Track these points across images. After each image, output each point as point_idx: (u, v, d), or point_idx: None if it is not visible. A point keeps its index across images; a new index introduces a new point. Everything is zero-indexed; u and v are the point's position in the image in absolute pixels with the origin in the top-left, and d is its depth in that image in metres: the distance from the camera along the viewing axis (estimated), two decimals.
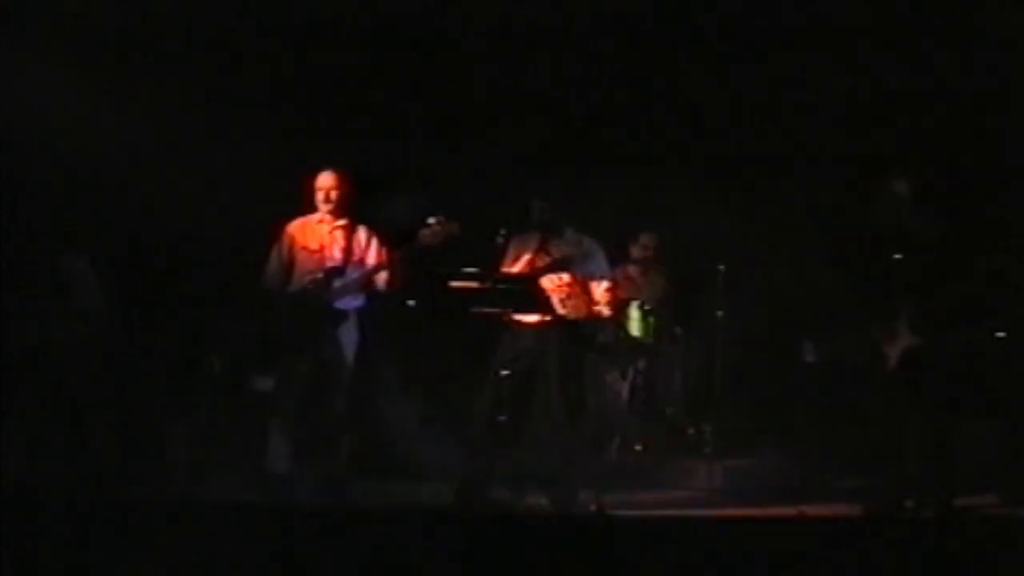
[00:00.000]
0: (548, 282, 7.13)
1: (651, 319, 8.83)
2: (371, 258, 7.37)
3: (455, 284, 6.89)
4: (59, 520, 5.98)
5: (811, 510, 6.57)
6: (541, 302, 7.04)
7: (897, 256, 6.94)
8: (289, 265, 7.38)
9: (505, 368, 7.10)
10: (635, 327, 8.78)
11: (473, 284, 6.91)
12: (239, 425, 7.76)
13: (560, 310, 7.11)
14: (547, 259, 7.24)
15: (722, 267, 8.71)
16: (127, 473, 7.27)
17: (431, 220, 7.11)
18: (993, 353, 7.16)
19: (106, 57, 8.26)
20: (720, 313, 8.71)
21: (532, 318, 7.14)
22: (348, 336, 7.30)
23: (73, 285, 7.68)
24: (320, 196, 7.37)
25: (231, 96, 8.59)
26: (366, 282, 7.32)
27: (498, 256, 7.29)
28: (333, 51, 8.81)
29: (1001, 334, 7.24)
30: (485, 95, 9.11)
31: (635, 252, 9.08)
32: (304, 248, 7.37)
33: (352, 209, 7.41)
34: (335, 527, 5.93)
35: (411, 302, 8.66)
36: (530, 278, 7.13)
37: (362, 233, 7.42)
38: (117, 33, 8.27)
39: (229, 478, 7.47)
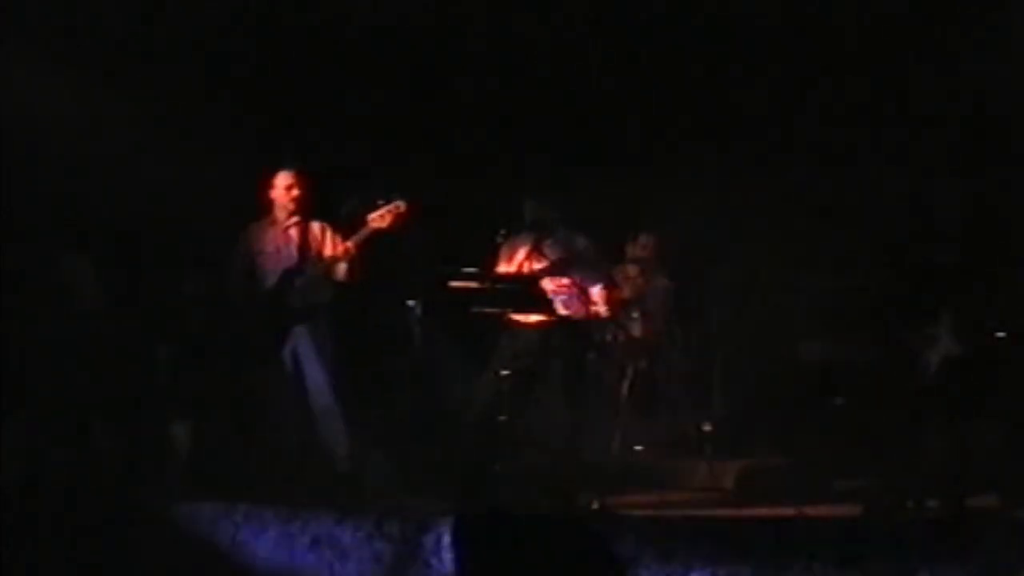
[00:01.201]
0: (547, 282, 7.14)
1: (651, 319, 8.83)
2: (327, 251, 7.42)
3: (455, 284, 6.90)
4: (59, 520, 5.99)
5: (811, 510, 6.56)
6: (541, 302, 7.04)
7: (948, 259, 6.91)
8: (250, 269, 7.45)
9: (505, 368, 7.11)
10: (635, 327, 8.78)
11: (473, 284, 6.92)
12: (239, 425, 7.76)
13: (560, 310, 7.11)
14: (540, 259, 7.25)
15: (722, 268, 8.72)
16: (128, 473, 7.27)
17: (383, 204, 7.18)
18: (1006, 355, 7.15)
19: (106, 57, 8.26)
20: (720, 313, 8.71)
21: (532, 318, 7.14)
22: (319, 332, 7.34)
23: (73, 285, 7.68)
24: (280, 196, 7.43)
25: (232, 96, 8.59)
26: (325, 276, 7.36)
27: (493, 257, 7.31)
28: (332, 51, 8.82)
29: (1001, 334, 7.23)
30: (486, 95, 9.11)
31: (634, 252, 9.07)
32: (261, 251, 7.47)
33: (309, 208, 7.44)
34: (334, 527, 5.93)
35: (411, 302, 8.66)
36: (530, 278, 7.13)
37: (316, 228, 7.50)
38: (116, 33, 8.28)
39: (231, 478, 7.46)
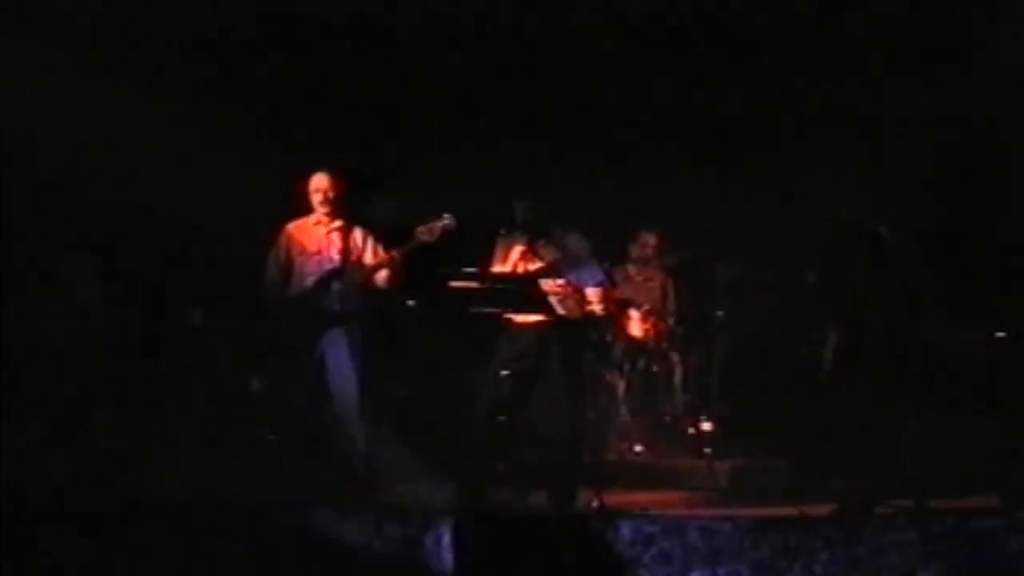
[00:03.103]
0: (545, 283, 7.13)
1: (651, 319, 8.83)
2: (368, 258, 7.40)
3: (455, 284, 6.89)
4: (59, 520, 5.99)
5: (811, 510, 6.56)
6: (540, 302, 7.04)
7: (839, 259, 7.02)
8: (287, 267, 7.41)
9: (505, 368, 7.11)
10: (635, 327, 8.78)
11: (473, 284, 6.92)
12: (240, 425, 7.77)
13: (559, 310, 7.11)
14: (534, 261, 7.24)
15: (722, 268, 8.71)
16: (128, 473, 7.27)
17: (431, 218, 7.15)
18: (980, 354, 7.19)
19: (107, 58, 8.27)
20: (720, 313, 8.70)
21: (532, 318, 7.15)
22: (351, 336, 7.32)
23: (73, 285, 7.69)
24: (315, 198, 7.40)
25: (232, 97, 8.60)
26: (365, 282, 7.35)
27: (488, 256, 7.31)
28: (329, 53, 8.83)
29: (1001, 334, 7.24)
30: (485, 95, 9.12)
31: (635, 252, 9.08)
32: (302, 251, 7.40)
33: (346, 210, 7.44)
34: (334, 527, 5.93)
35: (411, 302, 8.67)
36: (529, 279, 7.13)
37: (358, 233, 7.45)
38: (117, 34, 8.28)
39: (230, 479, 7.46)
